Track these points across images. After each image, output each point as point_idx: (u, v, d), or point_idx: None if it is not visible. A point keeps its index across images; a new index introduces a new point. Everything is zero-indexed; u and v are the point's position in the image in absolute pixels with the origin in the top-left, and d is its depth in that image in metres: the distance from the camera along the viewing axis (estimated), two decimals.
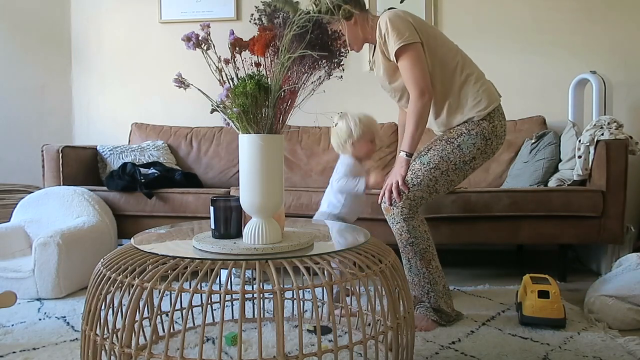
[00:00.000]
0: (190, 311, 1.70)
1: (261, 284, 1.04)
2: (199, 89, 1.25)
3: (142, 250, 1.18)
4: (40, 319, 1.85)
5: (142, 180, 2.53)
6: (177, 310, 1.31)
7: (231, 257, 1.13)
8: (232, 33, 1.22)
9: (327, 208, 1.99)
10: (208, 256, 1.14)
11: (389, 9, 1.81)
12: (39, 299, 2.10)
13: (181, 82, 1.22)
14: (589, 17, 2.95)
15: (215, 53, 1.21)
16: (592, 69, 2.75)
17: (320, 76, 1.28)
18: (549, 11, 2.98)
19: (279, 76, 1.19)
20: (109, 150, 2.89)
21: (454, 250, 2.87)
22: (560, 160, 2.54)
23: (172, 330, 1.28)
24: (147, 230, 1.47)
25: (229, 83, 1.20)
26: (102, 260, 1.22)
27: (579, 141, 2.34)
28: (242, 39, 1.23)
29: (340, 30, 1.32)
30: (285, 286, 1.08)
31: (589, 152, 2.30)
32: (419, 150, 1.80)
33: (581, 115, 2.81)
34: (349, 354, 1.05)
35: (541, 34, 2.99)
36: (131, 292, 1.07)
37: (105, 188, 2.57)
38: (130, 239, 1.33)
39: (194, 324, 1.72)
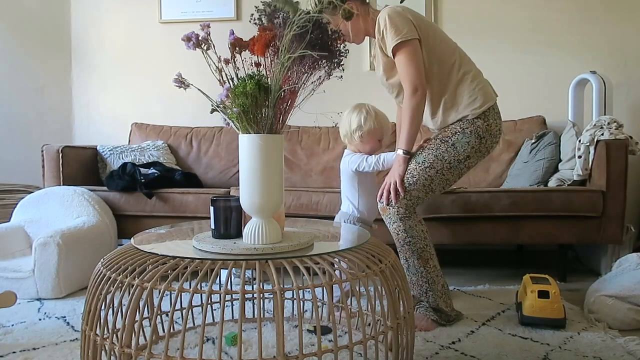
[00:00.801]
0: (190, 311, 1.70)
1: (261, 284, 1.04)
2: (199, 89, 1.25)
3: (142, 250, 1.18)
4: (40, 319, 1.85)
5: (142, 180, 2.53)
6: (177, 310, 1.31)
7: (231, 257, 1.13)
8: (232, 33, 1.23)
9: (345, 208, 1.97)
10: (208, 256, 1.14)
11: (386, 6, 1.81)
12: (39, 299, 2.10)
13: (181, 82, 1.22)
14: (589, 18, 2.95)
15: (215, 53, 1.21)
16: (592, 69, 2.75)
17: (320, 76, 1.28)
18: (549, 11, 2.98)
19: (279, 76, 1.19)
20: (109, 150, 2.89)
21: (454, 250, 2.87)
22: (560, 160, 2.54)
23: (172, 330, 1.28)
24: (147, 230, 1.47)
25: (229, 83, 1.20)
26: (102, 260, 1.22)
27: (579, 141, 2.34)
28: (242, 39, 1.23)
29: (340, 30, 1.31)
30: (285, 286, 1.08)
31: (589, 152, 2.30)
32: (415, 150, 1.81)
33: (581, 115, 2.81)
34: (349, 354, 1.05)
35: (541, 34, 2.99)
36: (131, 292, 1.07)
37: (105, 188, 2.57)
38: (130, 239, 1.33)
39: (194, 324, 1.72)
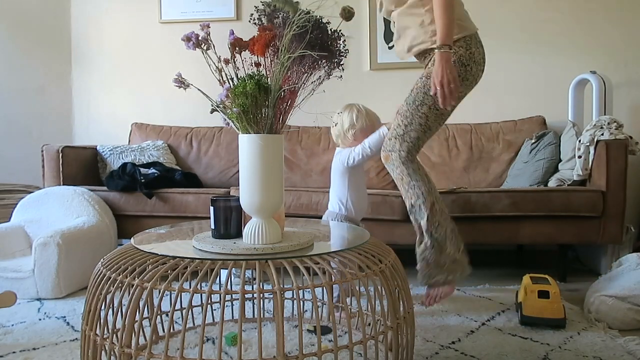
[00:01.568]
0: (190, 311, 1.70)
1: (261, 284, 1.04)
2: (199, 89, 1.25)
3: (142, 250, 1.18)
4: (40, 319, 1.85)
5: (142, 180, 2.53)
6: (177, 310, 1.31)
7: (231, 257, 1.13)
8: (232, 33, 1.23)
9: (332, 207, 1.98)
10: (208, 256, 1.14)
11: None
12: (39, 299, 2.10)
13: (181, 82, 1.22)
14: (589, 18, 2.95)
15: (215, 53, 1.21)
16: (592, 69, 2.75)
17: (320, 76, 1.28)
18: (549, 11, 2.98)
19: (279, 76, 1.19)
20: (109, 150, 2.89)
21: None
22: (560, 160, 2.54)
23: (172, 330, 1.28)
24: (147, 230, 1.47)
25: (229, 83, 1.20)
26: (102, 260, 1.22)
27: (579, 141, 2.34)
28: (242, 39, 1.23)
29: (340, 30, 1.31)
30: (285, 286, 1.08)
31: (589, 152, 2.30)
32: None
33: (581, 115, 2.81)
34: (349, 354, 1.05)
35: (541, 34, 2.99)
36: (131, 292, 1.07)
37: (105, 188, 2.57)
38: (130, 239, 1.33)
39: (194, 324, 1.72)
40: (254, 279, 1.20)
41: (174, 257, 1.12)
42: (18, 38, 3.14)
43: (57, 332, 1.72)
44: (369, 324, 1.61)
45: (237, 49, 1.23)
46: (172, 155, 3.06)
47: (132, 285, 1.07)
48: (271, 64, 1.23)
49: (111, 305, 1.12)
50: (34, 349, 1.57)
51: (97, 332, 1.11)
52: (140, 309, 1.10)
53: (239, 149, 1.22)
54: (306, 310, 1.90)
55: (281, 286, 1.04)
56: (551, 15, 2.98)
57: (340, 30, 1.32)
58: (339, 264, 1.13)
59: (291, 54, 1.18)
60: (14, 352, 1.54)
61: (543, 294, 1.71)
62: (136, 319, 1.11)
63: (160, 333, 1.61)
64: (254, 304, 1.89)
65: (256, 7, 1.31)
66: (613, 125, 2.29)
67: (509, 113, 2.91)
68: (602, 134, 2.26)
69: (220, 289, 1.02)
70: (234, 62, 1.23)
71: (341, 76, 1.30)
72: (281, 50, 1.18)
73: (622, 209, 2.22)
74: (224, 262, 1.09)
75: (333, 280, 1.09)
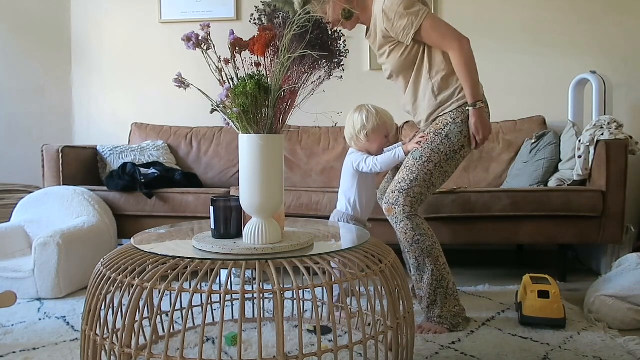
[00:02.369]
0: (190, 311, 1.70)
1: (261, 284, 1.04)
2: (199, 89, 1.25)
3: (142, 250, 1.18)
4: (40, 319, 1.85)
5: (142, 180, 2.53)
6: (177, 310, 1.31)
7: (231, 257, 1.13)
8: (232, 33, 1.23)
9: (340, 207, 1.98)
10: (208, 256, 1.14)
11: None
12: (39, 299, 2.10)
13: (181, 82, 1.22)
14: (588, 17, 2.95)
15: (215, 53, 1.21)
16: (592, 69, 2.75)
17: (320, 76, 1.28)
18: (549, 11, 2.98)
19: (279, 76, 1.19)
20: (109, 150, 2.89)
21: (454, 250, 2.86)
22: (560, 160, 2.54)
23: (172, 330, 1.28)
24: (147, 230, 1.47)
25: (229, 83, 1.20)
26: (102, 260, 1.22)
27: (579, 141, 2.34)
28: (242, 39, 1.23)
29: (340, 30, 1.31)
30: (285, 286, 1.08)
31: (589, 152, 2.30)
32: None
33: (581, 115, 2.81)
34: (349, 354, 1.05)
35: (541, 34, 2.99)
36: (131, 292, 1.07)
37: (105, 188, 2.57)
38: (130, 239, 1.33)
39: (194, 324, 1.72)
40: (254, 279, 1.20)
41: (174, 257, 1.12)
42: (18, 38, 3.14)
43: (57, 332, 1.72)
44: (369, 324, 1.61)
45: (237, 49, 1.23)
46: (172, 155, 3.06)
47: (132, 285, 1.07)
48: (271, 64, 1.23)
49: (111, 305, 1.12)
50: (34, 349, 1.57)
51: (97, 332, 1.11)
52: (140, 309, 1.10)
53: (239, 149, 1.22)
54: (306, 310, 1.90)
55: (281, 286, 1.04)
56: (551, 15, 2.98)
57: (340, 30, 1.32)
58: (339, 264, 1.13)
59: (291, 54, 1.18)
60: (14, 352, 1.54)
61: (543, 294, 1.71)
62: (136, 319, 1.11)
63: (160, 333, 1.61)
64: (254, 304, 1.89)
65: (256, 7, 1.31)
66: (613, 125, 2.29)
67: (509, 113, 2.90)
68: (602, 134, 2.26)
69: (220, 289, 1.02)
70: (234, 62, 1.23)
71: (341, 76, 1.30)
72: (281, 50, 1.18)
73: (622, 209, 2.22)
74: (224, 262, 1.09)
75: (333, 280, 1.09)
